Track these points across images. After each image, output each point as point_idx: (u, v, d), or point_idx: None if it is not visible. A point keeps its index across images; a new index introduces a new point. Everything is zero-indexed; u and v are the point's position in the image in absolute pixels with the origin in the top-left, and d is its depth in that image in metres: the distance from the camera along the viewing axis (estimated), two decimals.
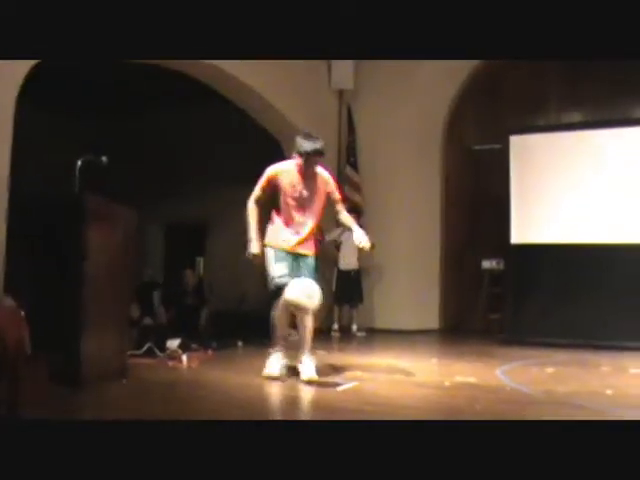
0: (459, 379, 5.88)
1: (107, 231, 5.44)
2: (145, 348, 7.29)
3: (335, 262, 10.48)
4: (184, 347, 7.53)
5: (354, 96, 11.31)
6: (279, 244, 5.62)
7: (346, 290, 10.37)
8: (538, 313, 9.02)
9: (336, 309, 10.51)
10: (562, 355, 7.83)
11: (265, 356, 5.87)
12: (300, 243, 5.66)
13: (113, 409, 4.59)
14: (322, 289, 5.51)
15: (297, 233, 5.66)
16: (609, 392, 5.26)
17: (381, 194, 10.97)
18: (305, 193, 5.66)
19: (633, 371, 6.57)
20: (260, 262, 5.63)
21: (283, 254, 5.59)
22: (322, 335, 9.80)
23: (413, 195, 11.21)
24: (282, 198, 5.65)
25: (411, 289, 11.01)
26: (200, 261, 9.94)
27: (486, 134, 10.97)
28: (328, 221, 10.66)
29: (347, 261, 10.38)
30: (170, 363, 6.99)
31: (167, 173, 13.09)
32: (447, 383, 5.68)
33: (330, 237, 10.25)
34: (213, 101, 10.47)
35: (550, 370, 6.58)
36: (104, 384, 5.20)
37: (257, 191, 5.69)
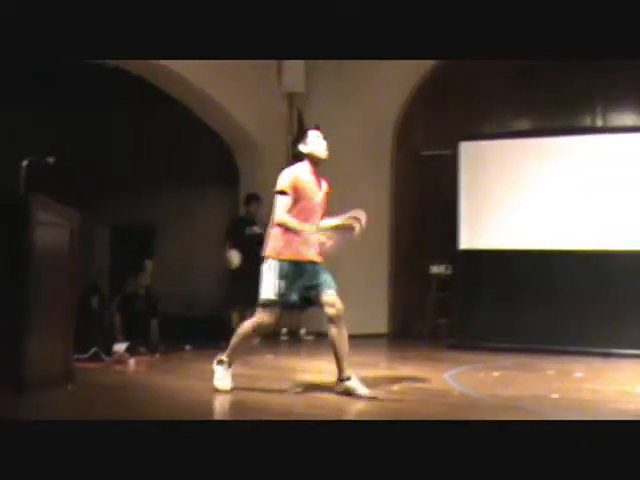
0: (407, 383, 5.90)
1: (52, 232, 5.35)
2: (91, 352, 7.18)
3: None
4: (131, 350, 7.44)
5: (305, 99, 11.28)
6: (295, 255, 5.27)
7: None
8: (485, 318, 9.10)
9: (285, 313, 10.42)
10: (509, 359, 7.91)
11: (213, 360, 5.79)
12: (314, 249, 5.38)
13: (56, 414, 4.50)
14: None
15: (312, 239, 5.35)
16: (554, 396, 5.33)
17: (330, 198, 10.94)
18: (320, 195, 5.55)
19: (578, 375, 6.66)
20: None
21: (291, 269, 5.23)
22: (270, 339, 9.76)
23: (362, 199, 11.03)
24: (300, 204, 5.36)
25: (359, 293, 10.97)
26: (149, 263, 9.82)
27: (435, 140, 11.00)
28: None
29: None
30: (117, 367, 6.90)
31: (116, 174, 12.92)
32: (395, 387, 5.69)
33: None
34: (164, 102, 10.39)
35: (497, 374, 6.64)
36: (48, 389, 5.10)
37: (284, 202, 5.30)
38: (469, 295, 9.36)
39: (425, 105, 11.32)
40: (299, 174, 5.41)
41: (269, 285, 5.22)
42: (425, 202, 11.22)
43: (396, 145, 11.52)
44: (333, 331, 5.25)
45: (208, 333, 9.20)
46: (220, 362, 5.41)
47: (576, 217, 8.93)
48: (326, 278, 5.36)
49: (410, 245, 11.32)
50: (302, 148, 5.48)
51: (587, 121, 10.41)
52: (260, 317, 5.29)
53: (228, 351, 5.40)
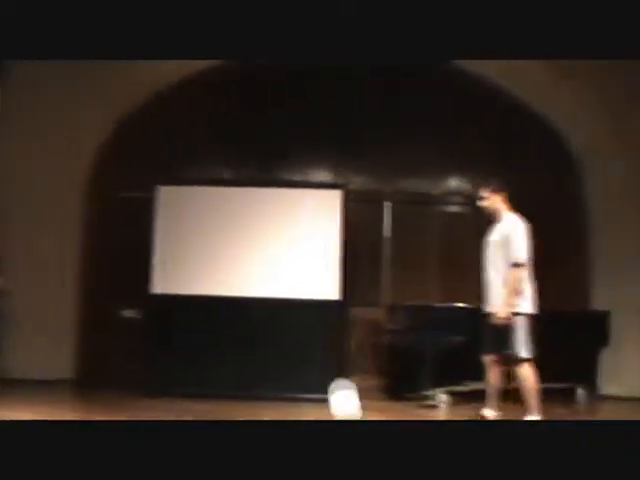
0: None
1: None
2: None
3: None
4: None
5: None
6: None
7: None
8: (177, 364, 9.07)
9: None
10: (201, 406, 7.93)
11: None
12: None
13: None
14: None
15: None
16: None
17: (25, 242, 10.31)
18: None
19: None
20: None
21: None
22: None
23: (49, 242, 10.56)
24: None
25: (41, 337, 10.32)
26: None
27: (135, 182, 10.69)
28: None
29: None
30: None
31: None
32: None
33: None
34: None
35: (190, 419, 6.61)
36: None
37: None
38: (163, 340, 9.27)
39: (125, 148, 11.04)
40: None
41: None
42: (121, 245, 10.86)
43: (91, 185, 11.05)
44: None
45: None
46: None
47: (265, 265, 9.30)
48: None
49: (102, 289, 10.88)
50: None
51: (283, 174, 10.86)
52: None
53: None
